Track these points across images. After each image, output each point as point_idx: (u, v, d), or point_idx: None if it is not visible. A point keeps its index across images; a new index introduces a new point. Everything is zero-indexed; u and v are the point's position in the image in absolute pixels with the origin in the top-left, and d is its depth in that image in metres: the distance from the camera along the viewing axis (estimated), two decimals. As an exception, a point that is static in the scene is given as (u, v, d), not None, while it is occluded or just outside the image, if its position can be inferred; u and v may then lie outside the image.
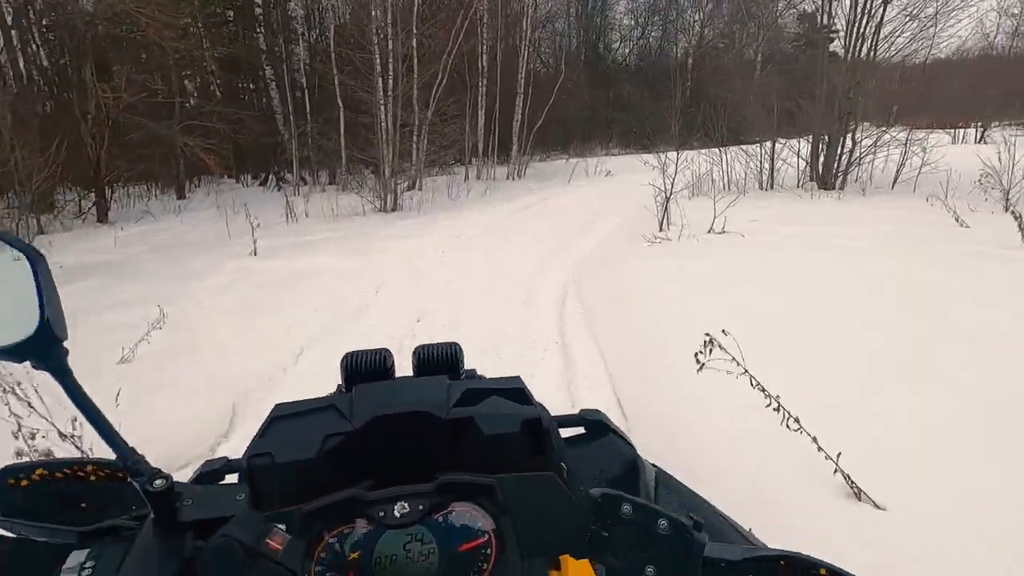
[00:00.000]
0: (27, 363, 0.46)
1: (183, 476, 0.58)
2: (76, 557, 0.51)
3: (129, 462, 0.49)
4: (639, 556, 0.50)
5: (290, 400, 0.64)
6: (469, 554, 0.52)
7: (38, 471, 0.61)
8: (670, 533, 0.49)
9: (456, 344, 0.81)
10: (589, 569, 0.51)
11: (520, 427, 0.59)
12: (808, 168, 12.45)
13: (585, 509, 0.52)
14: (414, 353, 0.80)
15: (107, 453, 0.51)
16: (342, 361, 0.78)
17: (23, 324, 0.46)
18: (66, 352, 0.48)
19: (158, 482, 0.48)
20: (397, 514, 0.52)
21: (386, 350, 0.79)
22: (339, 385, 0.84)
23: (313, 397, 0.66)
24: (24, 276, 0.46)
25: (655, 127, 19.80)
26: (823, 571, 0.48)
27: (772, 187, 12.10)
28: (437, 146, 14.16)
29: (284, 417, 0.62)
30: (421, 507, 0.53)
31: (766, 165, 12.24)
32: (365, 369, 0.76)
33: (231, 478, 0.65)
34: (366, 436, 0.58)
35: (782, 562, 0.49)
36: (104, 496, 0.63)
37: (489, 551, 0.52)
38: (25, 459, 0.62)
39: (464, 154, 16.84)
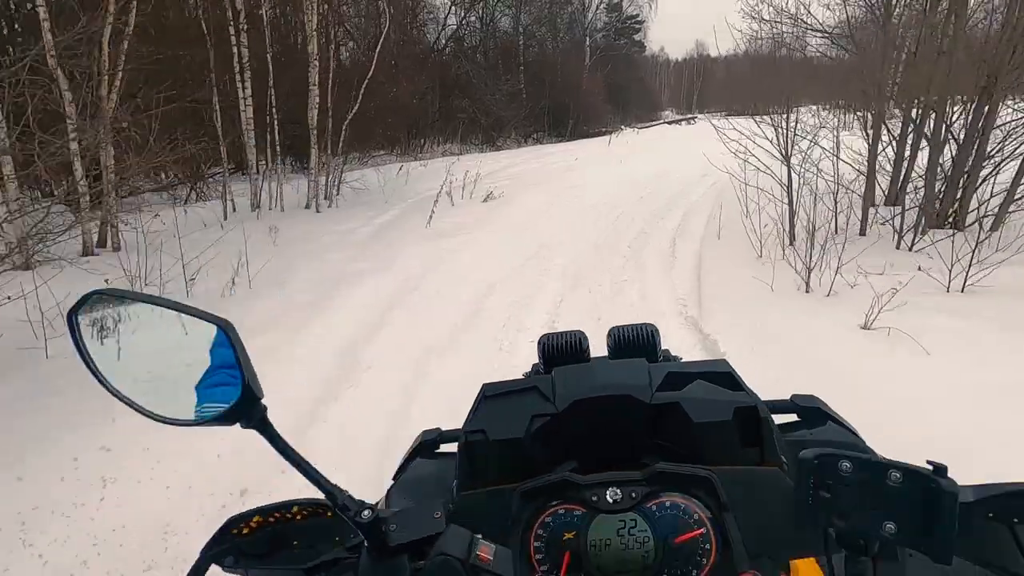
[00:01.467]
0: (237, 425, 0.49)
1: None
2: None
3: (338, 499, 0.51)
4: (872, 514, 0.44)
5: (495, 381, 0.68)
6: (686, 546, 0.51)
7: (255, 519, 0.63)
8: (905, 484, 0.43)
9: (652, 325, 0.79)
10: (817, 570, 0.49)
11: (733, 415, 0.57)
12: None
13: (815, 507, 0.45)
14: (609, 334, 0.80)
15: (308, 493, 0.55)
16: (539, 342, 0.81)
17: (228, 390, 0.49)
18: (265, 408, 0.50)
19: (366, 513, 0.50)
20: (609, 499, 0.52)
21: (581, 332, 0.81)
22: (534, 365, 0.89)
23: (516, 378, 0.69)
24: (221, 345, 0.50)
25: (502, 116, 19.85)
26: None
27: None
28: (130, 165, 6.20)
29: (493, 396, 0.66)
30: (634, 495, 0.52)
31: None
32: (562, 350, 0.79)
33: (445, 447, 0.75)
34: (569, 418, 0.61)
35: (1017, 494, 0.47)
36: (311, 533, 0.64)
37: (708, 546, 0.50)
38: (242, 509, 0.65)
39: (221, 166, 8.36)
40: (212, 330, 0.50)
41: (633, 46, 57.72)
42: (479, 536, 0.50)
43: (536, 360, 0.92)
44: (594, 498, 0.53)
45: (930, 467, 0.44)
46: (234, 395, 0.49)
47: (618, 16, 59.40)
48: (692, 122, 33.14)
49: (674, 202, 8.98)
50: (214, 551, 0.62)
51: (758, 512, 0.51)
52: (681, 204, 8.76)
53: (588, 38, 36.39)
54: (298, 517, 0.64)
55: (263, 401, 0.50)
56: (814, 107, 11.80)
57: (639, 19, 58.83)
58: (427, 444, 0.75)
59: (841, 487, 0.44)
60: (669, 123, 33.26)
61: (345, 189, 9.72)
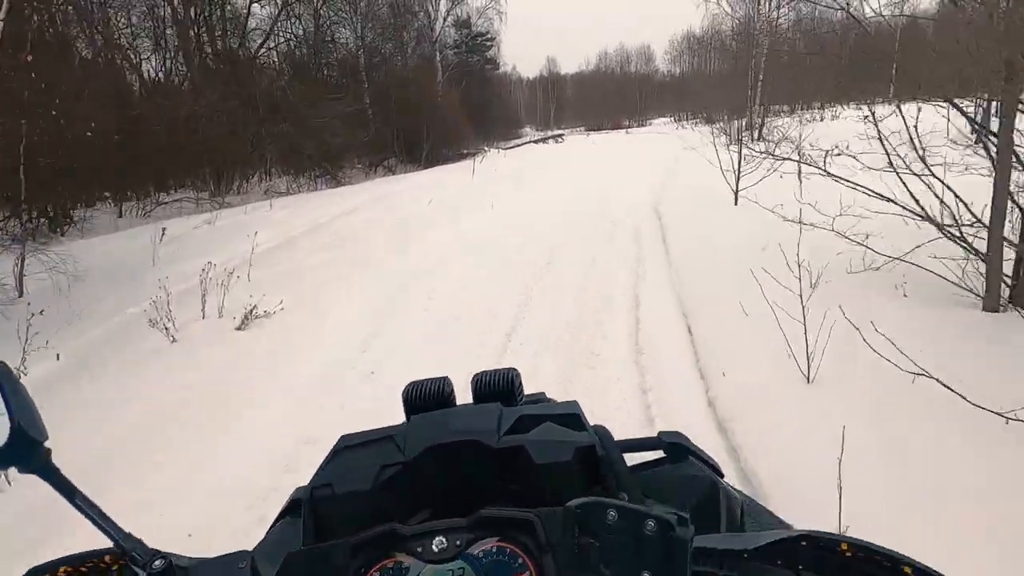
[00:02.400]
0: (12, 469, 0.47)
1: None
2: None
3: (127, 547, 0.49)
4: (633, 563, 0.46)
5: (353, 431, 0.67)
6: None
7: (62, 568, 0.58)
8: (657, 534, 0.46)
9: (514, 370, 0.77)
10: None
11: (572, 455, 0.57)
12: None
13: (583, 555, 0.47)
14: (472, 381, 0.77)
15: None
16: (403, 392, 0.77)
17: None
18: (48, 452, 0.49)
19: (157, 563, 0.49)
20: (435, 548, 0.51)
21: (446, 378, 0.78)
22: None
23: (376, 428, 0.67)
24: None
25: (334, 143, 15.93)
26: (844, 546, 0.46)
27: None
28: None
29: (347, 448, 0.63)
30: (459, 543, 0.51)
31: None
32: (425, 398, 0.75)
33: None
34: (420, 466, 0.59)
35: (803, 542, 0.47)
36: None
37: None
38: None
39: None
40: None
41: (486, 63, 56.69)
42: None
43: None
44: (419, 548, 0.51)
45: (675, 515, 0.47)
46: (2, 439, 0.47)
47: (468, 33, 58.35)
48: (560, 140, 31.12)
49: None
50: None
51: (568, 551, 0.49)
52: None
53: (439, 53, 33.54)
54: (114, 567, 0.55)
55: (47, 444, 0.49)
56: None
57: (489, 36, 58.01)
58: (298, 503, 0.65)
59: (607, 535, 0.46)
60: (536, 142, 30.49)
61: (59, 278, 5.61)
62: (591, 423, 0.63)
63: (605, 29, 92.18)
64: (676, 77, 48.81)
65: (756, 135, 15.83)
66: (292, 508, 0.69)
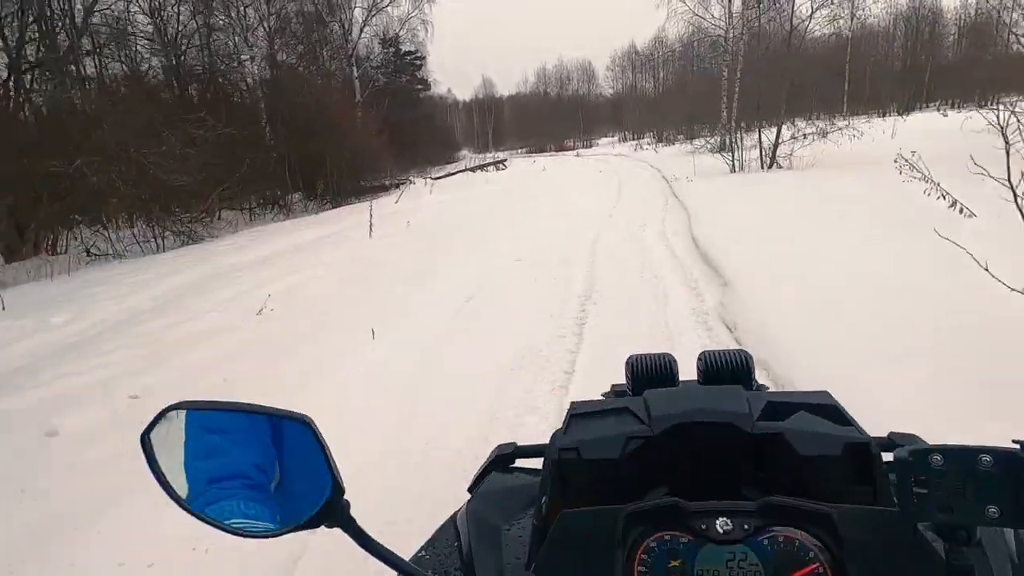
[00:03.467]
0: (322, 527, 0.47)
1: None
2: None
3: None
4: (973, 503, 0.43)
5: (583, 399, 0.67)
6: None
7: None
8: (996, 467, 0.43)
9: (746, 351, 0.76)
10: None
11: (842, 451, 0.53)
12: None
13: (919, 505, 0.44)
14: (700, 358, 0.77)
15: None
16: (627, 362, 0.79)
17: (317, 490, 0.46)
18: (348, 505, 0.49)
19: None
20: (719, 529, 0.49)
21: (670, 355, 0.78)
22: (613, 385, 0.92)
23: (602, 399, 0.70)
24: (307, 443, 0.47)
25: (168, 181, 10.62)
26: None
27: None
28: None
29: (583, 415, 0.64)
30: (746, 526, 0.49)
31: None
32: (650, 372, 0.76)
33: (521, 462, 0.73)
34: (665, 443, 0.58)
35: None
36: None
37: None
38: None
39: None
40: (302, 430, 0.47)
41: (417, 83, 52.22)
42: None
43: (616, 381, 0.90)
44: (703, 526, 0.50)
45: (1017, 446, 0.44)
46: (322, 495, 0.46)
47: (395, 51, 53.87)
48: (502, 166, 25.85)
49: None
50: None
51: (878, 556, 0.47)
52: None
53: (356, 68, 28.59)
54: None
55: (345, 497, 0.49)
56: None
57: (419, 55, 53.54)
58: (502, 458, 0.72)
59: (935, 481, 0.44)
60: (472, 169, 24.92)
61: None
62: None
63: (542, 46, 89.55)
64: (619, 94, 45.82)
65: (769, 161, 11.74)
66: (495, 463, 0.72)
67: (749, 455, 0.56)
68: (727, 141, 18.39)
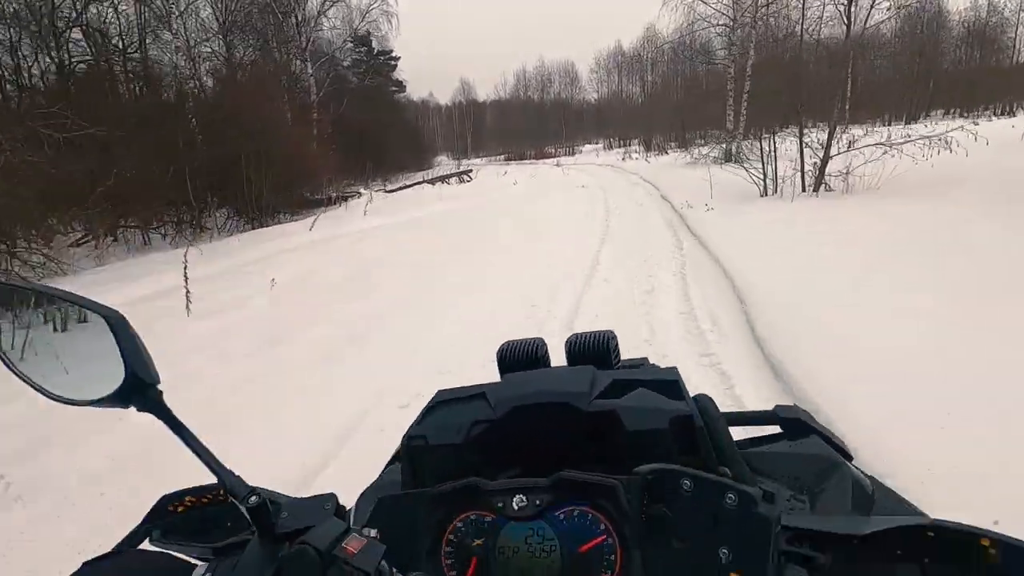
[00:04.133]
0: (132, 408, 0.51)
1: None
2: (198, 571, 0.53)
3: (228, 483, 0.51)
4: (708, 536, 0.43)
5: (450, 387, 0.67)
6: (590, 553, 0.49)
7: (188, 498, 0.65)
8: (738, 507, 0.43)
9: (610, 332, 0.76)
10: None
11: (668, 423, 0.54)
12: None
13: (650, 524, 0.46)
14: (566, 343, 0.77)
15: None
16: (498, 351, 0.78)
17: (117, 377, 0.51)
18: (160, 393, 0.52)
19: (253, 499, 0.50)
20: (515, 506, 0.51)
21: (540, 340, 0.78)
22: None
23: (470, 385, 0.66)
24: (109, 333, 0.52)
25: None
26: (986, 541, 0.39)
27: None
28: None
29: (442, 403, 0.65)
30: (538, 502, 0.51)
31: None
32: (519, 358, 0.76)
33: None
34: (509, 425, 0.58)
35: (931, 532, 0.40)
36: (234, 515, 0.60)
37: (613, 556, 0.49)
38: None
39: None
40: (102, 323, 0.52)
41: (391, 84, 48.90)
42: (359, 530, 0.47)
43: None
44: (500, 504, 0.51)
45: (761, 491, 0.43)
46: (118, 382, 0.51)
47: (368, 50, 50.46)
48: (468, 177, 21.11)
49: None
50: (147, 525, 0.65)
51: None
52: None
53: (309, 64, 25.06)
54: (228, 499, 0.57)
55: (159, 387, 0.51)
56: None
57: (393, 55, 50.21)
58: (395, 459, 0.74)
59: (681, 506, 0.43)
60: (432, 181, 19.72)
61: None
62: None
63: (522, 49, 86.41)
64: (604, 98, 42.74)
65: (814, 182, 8.25)
66: (398, 457, 0.69)
67: (587, 433, 0.56)
68: (734, 150, 15.28)
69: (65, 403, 0.54)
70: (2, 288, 0.68)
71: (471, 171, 17.48)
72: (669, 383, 0.59)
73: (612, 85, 41.00)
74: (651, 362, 0.81)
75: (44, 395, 0.54)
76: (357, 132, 27.42)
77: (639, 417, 0.54)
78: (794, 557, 0.42)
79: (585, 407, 0.57)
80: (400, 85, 49.28)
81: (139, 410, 0.51)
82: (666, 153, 21.07)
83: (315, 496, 0.54)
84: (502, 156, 43.08)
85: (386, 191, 16.33)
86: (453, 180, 17.00)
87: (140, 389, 0.50)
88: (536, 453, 0.57)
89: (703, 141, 19.07)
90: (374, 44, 34.81)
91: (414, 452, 0.60)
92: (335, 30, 27.38)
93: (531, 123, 41.70)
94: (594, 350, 0.73)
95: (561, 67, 44.74)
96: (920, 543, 0.40)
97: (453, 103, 60.18)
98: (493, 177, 19.33)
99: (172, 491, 0.65)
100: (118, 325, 0.51)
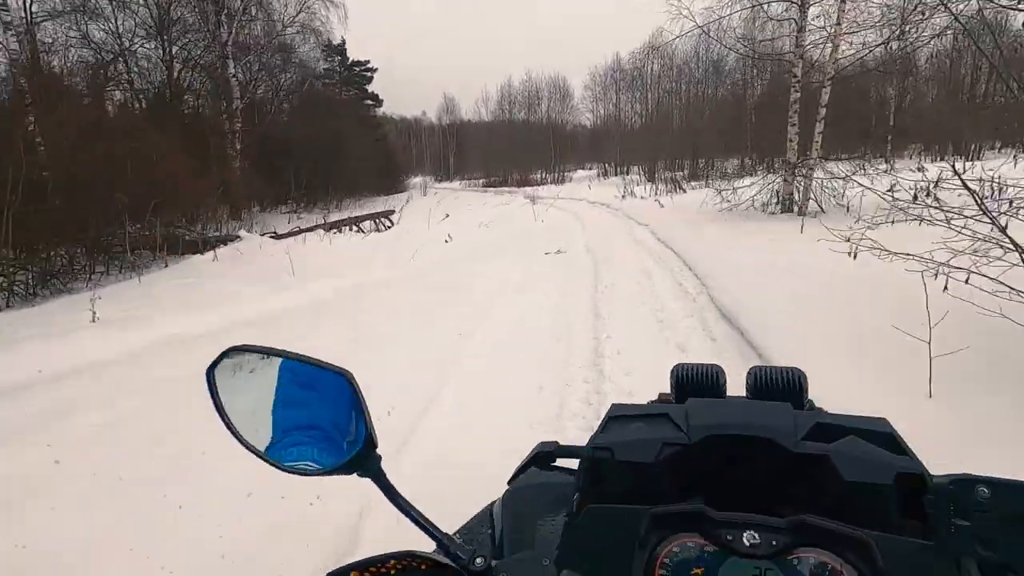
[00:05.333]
0: (354, 474, 0.51)
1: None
2: None
3: (451, 547, 0.51)
4: (1020, 540, 0.41)
5: (624, 403, 0.65)
6: None
7: (371, 568, 0.57)
8: None
9: (799, 370, 0.73)
10: None
11: (894, 480, 0.50)
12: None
13: (956, 538, 0.43)
14: (749, 373, 0.76)
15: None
16: (672, 371, 0.78)
17: (350, 441, 0.51)
18: (380, 459, 0.52)
19: (478, 561, 0.50)
20: (747, 542, 0.47)
21: (718, 367, 0.77)
22: (660, 394, 0.87)
23: (647, 403, 0.68)
24: (343, 396, 0.51)
25: None
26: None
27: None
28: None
29: (621, 418, 0.63)
30: (775, 543, 0.47)
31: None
32: (696, 382, 0.75)
33: (562, 462, 0.70)
34: (701, 452, 0.56)
35: None
36: None
37: None
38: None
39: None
40: (336, 380, 0.52)
41: (364, 98, 43.60)
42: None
43: (663, 390, 0.89)
44: (729, 537, 0.48)
45: None
46: (355, 445, 0.50)
47: (342, 60, 44.91)
48: (386, 223, 13.99)
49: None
50: None
51: None
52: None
53: (232, 62, 19.52)
54: (392, 572, 0.56)
55: (378, 451, 0.51)
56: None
57: (370, 67, 44.91)
58: (543, 456, 0.69)
59: (979, 514, 0.41)
60: (339, 226, 12.58)
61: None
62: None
63: (509, 64, 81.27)
64: (600, 118, 37.40)
65: None
66: (535, 460, 0.68)
67: (790, 475, 0.53)
68: (799, 195, 9.71)
69: (290, 472, 0.52)
70: (235, 351, 0.55)
71: (393, 212, 11.30)
72: (885, 435, 0.55)
73: (609, 105, 35.83)
74: None
75: (273, 466, 0.53)
76: (308, 150, 21.84)
77: (859, 467, 0.50)
78: None
79: (792, 447, 0.53)
80: (375, 99, 44.21)
81: (361, 476, 0.51)
82: (681, 190, 15.40)
83: (533, 555, 0.53)
84: (480, 181, 37.65)
85: (275, 235, 10.63)
86: (367, 223, 11.14)
87: (369, 453, 0.50)
88: (727, 486, 0.54)
89: (728, 174, 13.60)
90: (324, 39, 29.31)
91: (598, 464, 0.57)
92: (272, 22, 21.92)
93: (518, 144, 36.34)
94: (782, 385, 0.69)
95: (551, 81, 39.47)
96: None
97: (438, 120, 54.96)
98: (426, 223, 12.58)
99: (334, 568, 0.53)
100: (354, 383, 0.51)
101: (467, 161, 45.25)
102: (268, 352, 0.57)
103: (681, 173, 23.21)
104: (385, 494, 0.51)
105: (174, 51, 18.57)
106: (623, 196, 15.81)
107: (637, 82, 32.41)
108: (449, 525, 0.62)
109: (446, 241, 9.18)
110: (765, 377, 0.71)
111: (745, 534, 0.46)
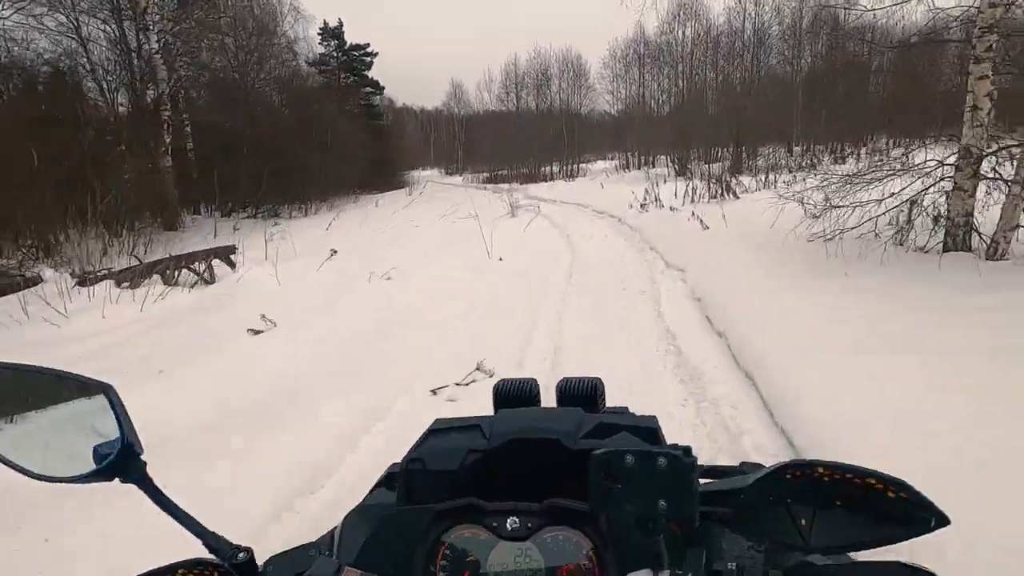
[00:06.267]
0: (116, 480, 0.52)
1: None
2: None
3: (214, 544, 0.53)
4: (650, 496, 0.48)
5: (446, 416, 0.70)
6: (571, 575, 0.54)
7: (180, 571, 0.58)
8: (668, 467, 0.48)
9: (598, 379, 0.81)
10: None
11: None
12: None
13: (606, 498, 0.49)
14: (557, 385, 0.81)
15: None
16: (494, 387, 0.82)
17: (107, 449, 0.51)
18: (145, 464, 0.53)
19: (241, 555, 0.53)
20: (509, 527, 0.55)
21: (533, 380, 0.82)
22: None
23: (467, 416, 0.70)
24: (100, 407, 0.52)
25: None
26: (820, 469, 0.47)
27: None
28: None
29: (439, 431, 0.68)
30: (530, 525, 0.55)
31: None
32: (513, 395, 0.80)
33: None
34: (501, 456, 0.63)
35: (787, 474, 0.48)
36: None
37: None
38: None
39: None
40: (96, 396, 0.53)
41: (363, 86, 39.38)
42: (348, 567, 0.50)
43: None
44: (495, 524, 0.56)
45: (681, 449, 0.51)
46: (113, 454, 0.51)
47: (339, 44, 40.90)
48: (223, 266, 7.34)
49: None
50: None
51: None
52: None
53: (143, 36, 15.34)
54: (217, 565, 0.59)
55: (143, 457, 0.52)
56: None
57: (369, 51, 40.70)
58: (391, 476, 0.73)
59: (628, 478, 0.48)
60: (182, 267, 6.61)
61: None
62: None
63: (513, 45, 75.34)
64: (620, 99, 31.97)
65: None
66: (387, 480, 0.74)
67: (571, 470, 0.59)
68: (973, 217, 4.92)
69: (47, 480, 0.53)
70: None
71: (234, 248, 6.74)
72: (649, 430, 0.64)
73: (631, 85, 30.49)
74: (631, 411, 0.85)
75: (23, 474, 0.53)
76: (252, 142, 17.90)
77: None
78: (711, 515, 0.48)
79: (572, 445, 0.62)
80: (376, 86, 39.95)
81: (124, 482, 0.51)
82: (732, 194, 10.14)
83: (299, 546, 0.59)
84: (484, 174, 32.91)
85: (84, 279, 6.33)
86: (206, 263, 6.57)
87: (130, 461, 0.51)
88: (523, 483, 0.60)
89: (804, 166, 8.73)
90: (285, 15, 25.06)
91: (411, 475, 0.62)
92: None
93: (527, 133, 31.48)
94: (583, 393, 0.78)
95: (561, 56, 33.91)
96: (780, 484, 0.47)
97: (445, 108, 50.49)
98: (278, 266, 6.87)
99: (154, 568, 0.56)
100: (114, 397, 0.52)
101: (478, 152, 40.65)
102: (11, 368, 0.57)
103: (718, 165, 18.18)
104: (153, 499, 0.52)
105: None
106: (643, 205, 10.72)
107: (665, 56, 27.07)
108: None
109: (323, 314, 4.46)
110: (568, 387, 0.78)
111: (508, 520, 0.55)
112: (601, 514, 0.51)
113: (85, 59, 14.87)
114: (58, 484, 0.52)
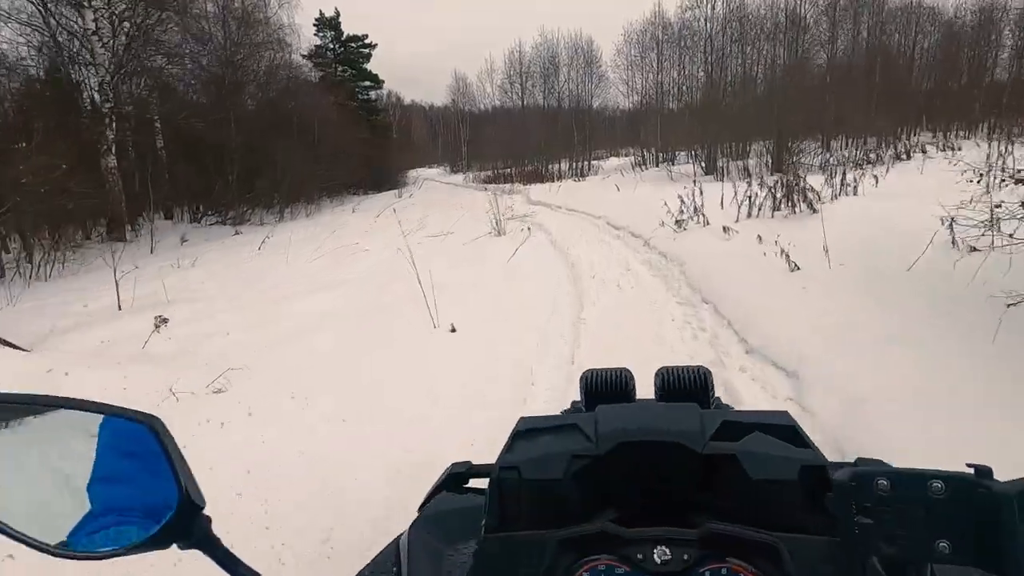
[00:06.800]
0: (173, 546, 0.39)
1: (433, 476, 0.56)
2: None
3: None
4: (921, 533, 0.39)
5: (532, 415, 0.61)
6: None
7: None
8: (948, 495, 0.38)
9: (705, 368, 0.72)
10: None
11: (798, 474, 0.48)
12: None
13: (860, 537, 0.40)
14: (657, 374, 0.73)
15: None
16: (581, 378, 0.75)
17: (161, 503, 0.39)
18: (209, 520, 0.42)
19: None
20: (657, 559, 0.45)
21: (627, 370, 0.74)
22: (573, 402, 0.85)
23: (555, 414, 0.63)
24: (149, 448, 0.39)
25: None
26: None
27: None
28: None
29: (530, 431, 0.58)
30: (686, 557, 0.45)
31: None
32: (605, 388, 0.72)
33: (475, 482, 0.64)
34: (612, 462, 0.53)
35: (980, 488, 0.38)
36: None
37: None
38: None
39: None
40: (141, 432, 0.40)
41: (361, 79, 37.02)
42: None
43: (576, 397, 0.86)
44: (639, 556, 0.45)
45: (971, 470, 0.39)
46: (167, 510, 0.39)
47: (336, 35, 38.61)
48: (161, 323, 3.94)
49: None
50: None
51: None
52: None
53: (91, 13, 12.86)
54: None
55: (205, 511, 0.41)
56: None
57: (367, 43, 38.36)
58: (455, 477, 0.63)
59: (882, 508, 0.40)
60: None
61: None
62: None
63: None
64: (636, 90, 28.92)
65: None
66: (449, 482, 0.63)
67: (699, 477, 0.52)
68: None
69: (79, 558, 0.39)
70: None
71: None
72: (787, 428, 0.53)
73: (647, 73, 27.51)
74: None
75: (41, 550, 0.39)
76: (224, 139, 15.69)
77: (765, 464, 0.48)
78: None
79: (700, 449, 0.51)
80: (375, 79, 37.41)
81: (183, 548, 0.40)
82: (806, 205, 7.15)
83: (359, 572, 0.50)
84: (485, 172, 30.26)
85: None
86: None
87: (191, 518, 0.40)
88: (639, 495, 0.52)
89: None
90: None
91: (505, 485, 0.52)
92: None
93: (534, 127, 28.75)
94: (690, 385, 0.68)
95: (571, 41, 30.69)
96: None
97: (451, 102, 47.93)
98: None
99: None
100: (163, 433, 0.40)
101: (483, 148, 38.05)
102: (31, 401, 0.42)
103: (753, 161, 15.41)
104: (222, 567, 0.41)
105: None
106: (678, 221, 7.47)
107: (687, 40, 24.08)
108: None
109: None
110: (671, 377, 0.70)
111: (656, 551, 0.45)
112: (855, 555, 0.40)
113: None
114: (92, 562, 0.38)
